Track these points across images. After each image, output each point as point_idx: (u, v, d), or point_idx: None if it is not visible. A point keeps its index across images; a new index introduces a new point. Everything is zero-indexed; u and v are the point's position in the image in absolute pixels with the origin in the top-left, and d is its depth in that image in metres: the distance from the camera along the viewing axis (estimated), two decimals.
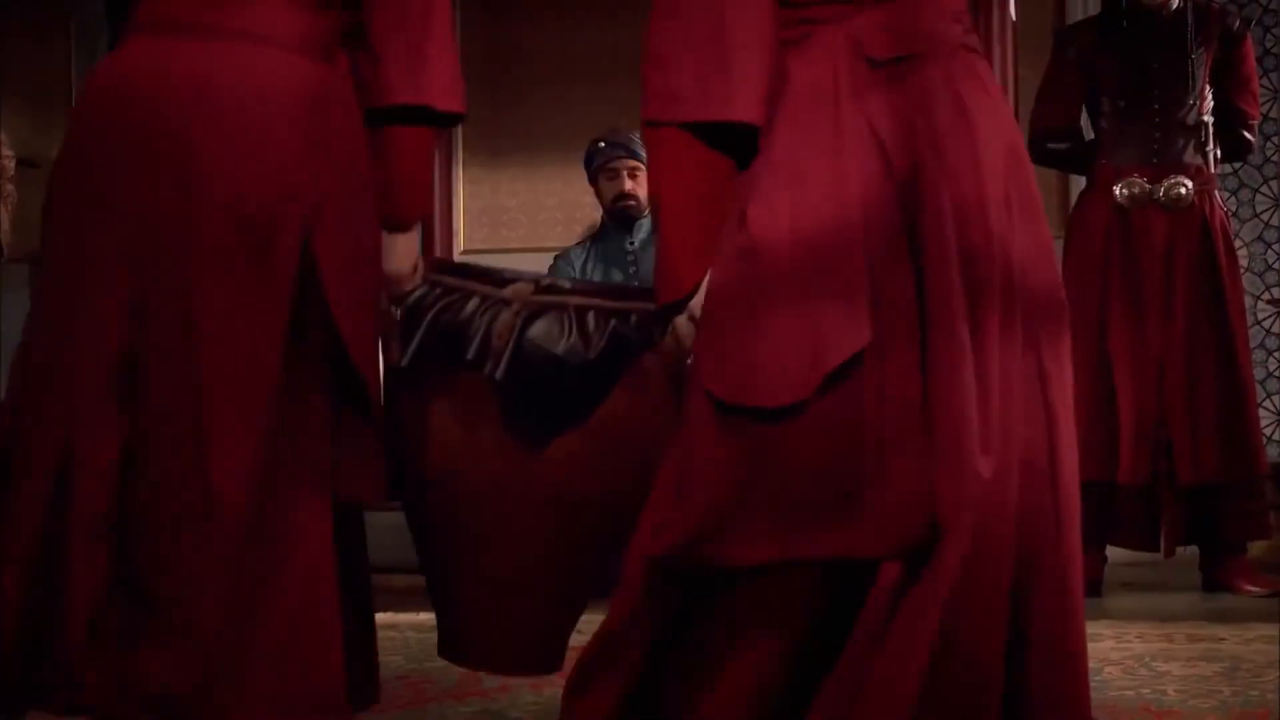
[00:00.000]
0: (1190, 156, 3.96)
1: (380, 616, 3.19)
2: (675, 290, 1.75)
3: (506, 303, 2.06)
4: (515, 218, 5.76)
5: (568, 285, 2.17)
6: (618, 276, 4.33)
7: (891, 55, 1.69)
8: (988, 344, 1.63)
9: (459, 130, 5.72)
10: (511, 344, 2.01)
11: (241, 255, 1.86)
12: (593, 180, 4.46)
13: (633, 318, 2.05)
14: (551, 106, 5.63)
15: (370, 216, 1.99)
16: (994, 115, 1.73)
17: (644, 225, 4.36)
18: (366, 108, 1.98)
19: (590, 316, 2.04)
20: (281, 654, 1.86)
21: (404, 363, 2.05)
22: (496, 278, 2.12)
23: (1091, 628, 3.19)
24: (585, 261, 4.41)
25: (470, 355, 2.02)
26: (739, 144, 1.71)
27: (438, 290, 2.09)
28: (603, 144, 4.38)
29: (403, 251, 2.05)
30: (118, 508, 1.84)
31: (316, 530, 1.89)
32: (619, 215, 4.38)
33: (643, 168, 4.29)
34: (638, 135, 4.30)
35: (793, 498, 1.62)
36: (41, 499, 1.85)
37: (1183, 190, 3.90)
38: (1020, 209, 1.72)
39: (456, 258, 5.79)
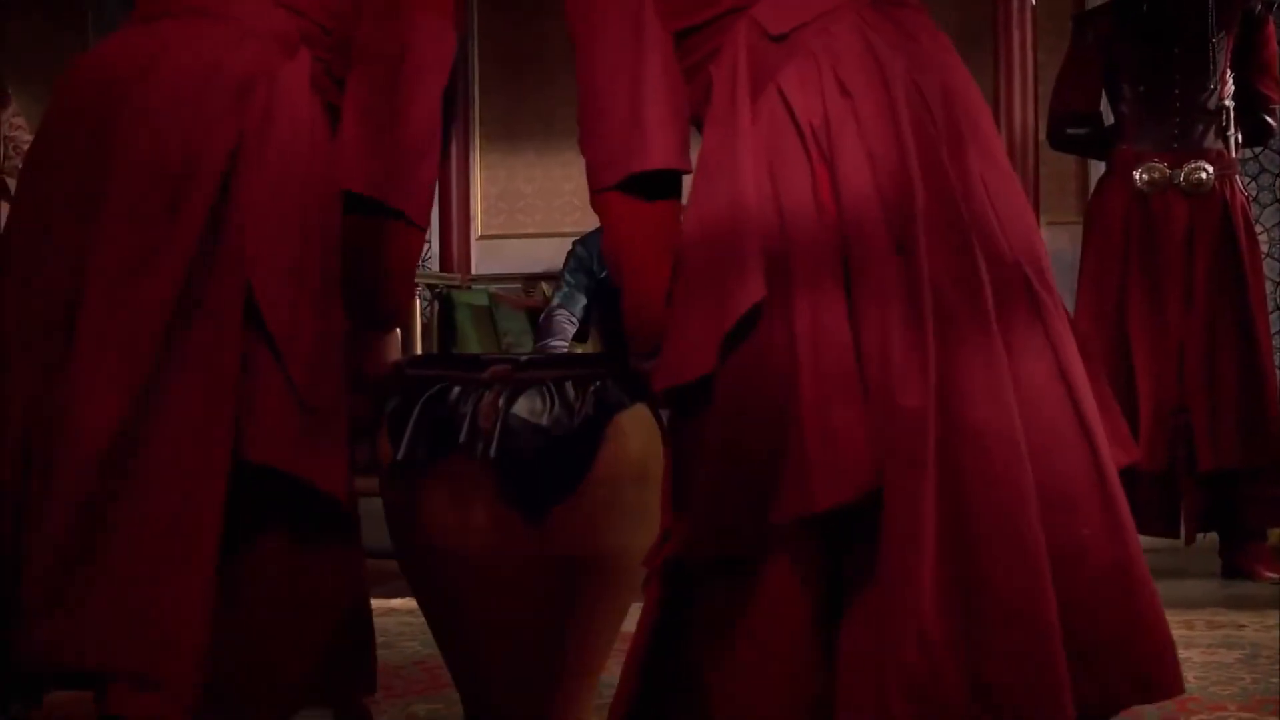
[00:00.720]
0: (1211, 141, 3.93)
1: (398, 602, 3.26)
2: (651, 339, 1.86)
3: (488, 385, 2.14)
4: (532, 203, 5.76)
5: (545, 359, 2.27)
6: None
7: (790, 26, 1.76)
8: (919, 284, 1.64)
9: (476, 115, 5.73)
10: (499, 423, 2.09)
11: (146, 207, 1.84)
12: None
13: (606, 380, 2.16)
14: (570, 91, 5.58)
15: (302, 193, 1.94)
16: (914, 56, 1.76)
17: None
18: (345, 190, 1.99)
19: (569, 386, 2.13)
20: (118, 593, 1.76)
21: (399, 457, 2.14)
22: (475, 363, 2.22)
23: None
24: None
25: (461, 439, 2.10)
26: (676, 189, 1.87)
27: (419, 385, 2.18)
28: None
29: (389, 349, 2.16)
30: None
31: (188, 484, 1.80)
32: None
33: None
34: None
35: (745, 471, 1.66)
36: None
37: (1203, 175, 3.87)
38: (960, 148, 1.73)
39: (474, 243, 5.81)
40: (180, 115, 1.88)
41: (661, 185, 1.86)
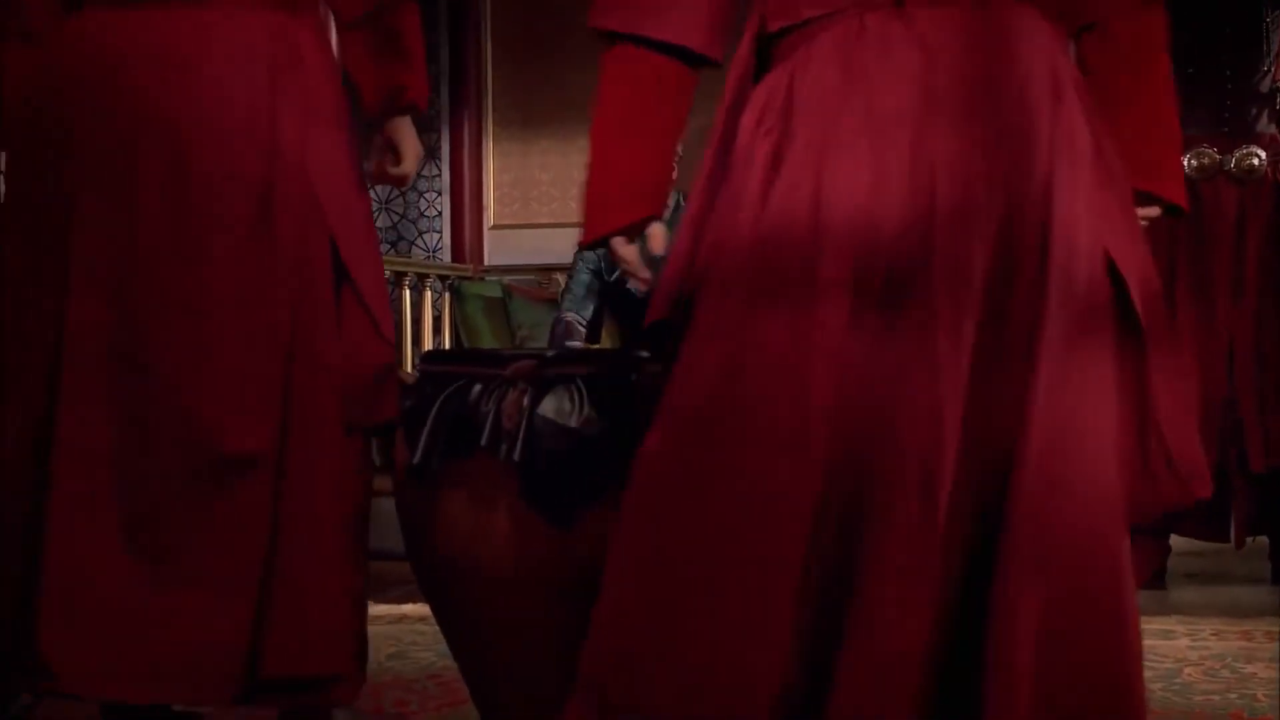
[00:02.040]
0: (1263, 125, 3.76)
1: (410, 608, 3.12)
2: (597, 229, 1.73)
3: (511, 383, 1.98)
4: (547, 191, 5.59)
5: (573, 354, 2.08)
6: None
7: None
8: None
9: (489, 100, 5.57)
10: (523, 424, 1.94)
11: (243, 220, 1.89)
12: None
13: (639, 377, 1.98)
14: (587, 75, 5.44)
15: (349, 150, 2.04)
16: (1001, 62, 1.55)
17: (668, 205, 4.19)
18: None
19: (599, 383, 1.97)
20: (299, 605, 1.88)
21: (415, 460, 2.00)
22: (496, 359, 2.06)
23: (1162, 623, 3.09)
24: None
25: (483, 440, 1.96)
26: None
27: (438, 382, 2.05)
28: None
29: (415, 141, 2.11)
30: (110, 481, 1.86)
31: (331, 472, 1.94)
32: None
33: None
34: None
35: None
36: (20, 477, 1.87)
37: (1255, 161, 3.70)
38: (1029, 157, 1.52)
39: (486, 233, 5.64)
40: (237, 122, 1.91)
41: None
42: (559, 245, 5.44)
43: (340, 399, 1.96)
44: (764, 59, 1.65)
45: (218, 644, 1.86)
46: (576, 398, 1.98)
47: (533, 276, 5.47)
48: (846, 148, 1.51)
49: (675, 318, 1.62)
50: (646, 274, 1.81)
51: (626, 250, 1.75)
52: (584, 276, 4.19)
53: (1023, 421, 1.45)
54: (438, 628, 2.18)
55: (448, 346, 5.13)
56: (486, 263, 5.61)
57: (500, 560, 1.98)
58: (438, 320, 5.07)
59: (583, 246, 1.75)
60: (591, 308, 4.17)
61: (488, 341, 5.03)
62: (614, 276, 4.16)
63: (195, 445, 1.86)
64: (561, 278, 5.15)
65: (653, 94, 1.71)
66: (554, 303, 5.02)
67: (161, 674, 1.85)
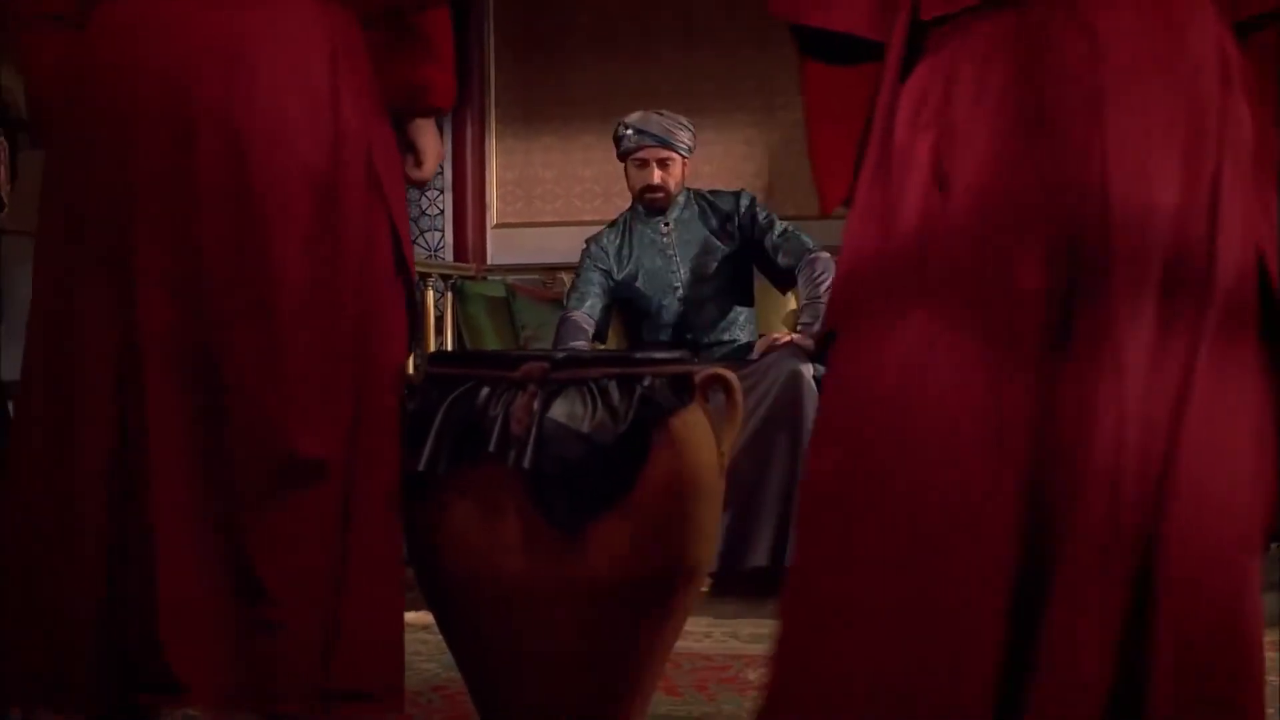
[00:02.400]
0: None
1: (413, 616, 3.01)
2: (825, 206, 1.69)
3: (521, 385, 1.89)
4: (551, 190, 5.51)
5: (586, 355, 2.02)
6: (655, 261, 4.07)
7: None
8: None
9: (491, 96, 5.49)
10: (534, 429, 1.86)
11: (305, 215, 1.82)
12: (622, 159, 4.18)
13: (655, 380, 1.92)
14: (592, 70, 5.38)
15: (394, 140, 1.99)
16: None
17: (678, 202, 4.11)
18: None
19: (613, 387, 1.89)
20: (367, 618, 1.86)
21: (420, 467, 1.91)
22: (504, 360, 1.98)
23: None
24: (620, 246, 4.15)
25: (491, 446, 1.88)
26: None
27: (444, 385, 1.96)
28: (630, 131, 4.07)
29: (438, 144, 2.08)
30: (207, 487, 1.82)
31: (391, 479, 1.91)
32: (647, 205, 4.11)
33: (675, 157, 4.04)
34: (670, 119, 4.05)
35: None
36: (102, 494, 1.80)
37: None
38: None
39: (489, 232, 5.56)
40: (302, 115, 1.85)
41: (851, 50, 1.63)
42: (563, 244, 5.36)
43: (400, 402, 1.92)
44: (914, 49, 1.57)
45: (293, 655, 1.82)
46: (589, 401, 1.90)
47: (536, 276, 5.39)
48: (1012, 145, 1.43)
49: (843, 326, 1.55)
50: None
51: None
52: (592, 274, 4.10)
53: (1176, 439, 1.40)
54: (442, 638, 2.10)
55: (450, 348, 5.05)
56: (489, 262, 5.53)
57: (508, 570, 1.90)
58: (440, 321, 4.98)
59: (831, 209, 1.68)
60: (600, 307, 4.07)
61: (491, 342, 4.95)
62: (624, 275, 4.06)
63: (270, 449, 1.80)
64: (567, 277, 5.07)
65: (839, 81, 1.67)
66: (559, 303, 4.93)
67: (248, 686, 1.82)
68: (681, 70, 5.33)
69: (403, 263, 1.94)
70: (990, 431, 1.40)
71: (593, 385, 1.91)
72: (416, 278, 2.07)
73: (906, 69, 1.56)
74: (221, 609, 1.81)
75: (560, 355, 1.99)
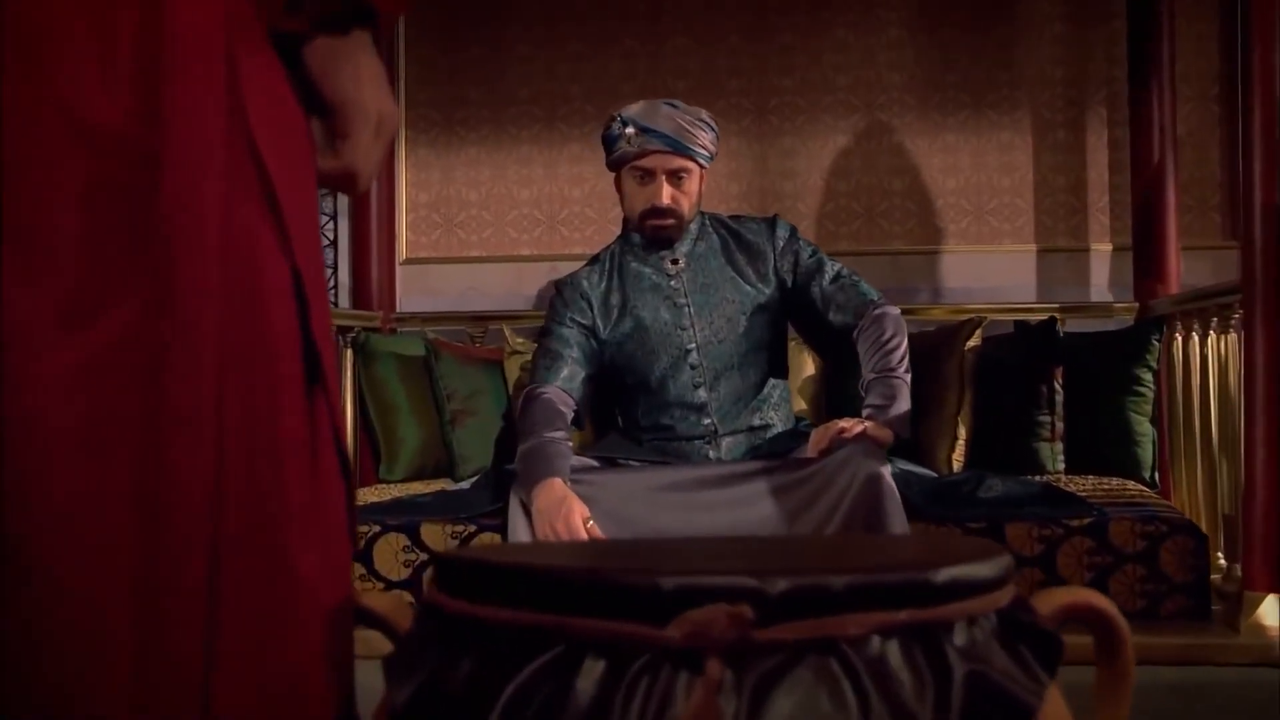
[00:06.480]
0: None
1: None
2: None
3: (680, 658, 0.87)
4: (477, 215, 4.32)
5: (835, 585, 0.94)
6: (660, 313, 2.92)
7: None
8: None
9: (401, 96, 4.31)
10: None
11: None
12: (614, 169, 3.00)
13: (976, 629, 0.94)
14: (532, 64, 4.23)
15: None
16: None
17: (690, 231, 2.97)
18: None
19: (895, 650, 0.89)
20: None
21: None
22: (629, 575, 0.90)
23: None
24: (607, 293, 2.97)
25: None
26: None
27: (485, 646, 0.93)
28: (630, 128, 2.89)
29: None
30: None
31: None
32: (651, 235, 2.94)
33: (693, 167, 2.90)
34: (687, 112, 2.91)
35: None
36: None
37: None
38: None
39: (398, 269, 4.35)
40: None
41: None
42: (493, 284, 4.21)
43: None
44: None
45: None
46: (845, 689, 0.86)
47: (461, 327, 4.19)
48: None
49: None
50: None
51: None
52: (567, 331, 2.92)
53: None
54: None
55: (351, 421, 3.82)
56: (399, 309, 4.32)
57: None
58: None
59: None
60: (581, 378, 2.89)
61: (405, 416, 3.74)
62: (612, 333, 2.94)
63: None
64: (504, 328, 3.90)
65: None
66: (494, 363, 3.76)
67: None
68: (649, 62, 4.20)
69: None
70: None
71: (850, 652, 0.86)
72: None
73: None
74: None
75: (781, 584, 0.87)
